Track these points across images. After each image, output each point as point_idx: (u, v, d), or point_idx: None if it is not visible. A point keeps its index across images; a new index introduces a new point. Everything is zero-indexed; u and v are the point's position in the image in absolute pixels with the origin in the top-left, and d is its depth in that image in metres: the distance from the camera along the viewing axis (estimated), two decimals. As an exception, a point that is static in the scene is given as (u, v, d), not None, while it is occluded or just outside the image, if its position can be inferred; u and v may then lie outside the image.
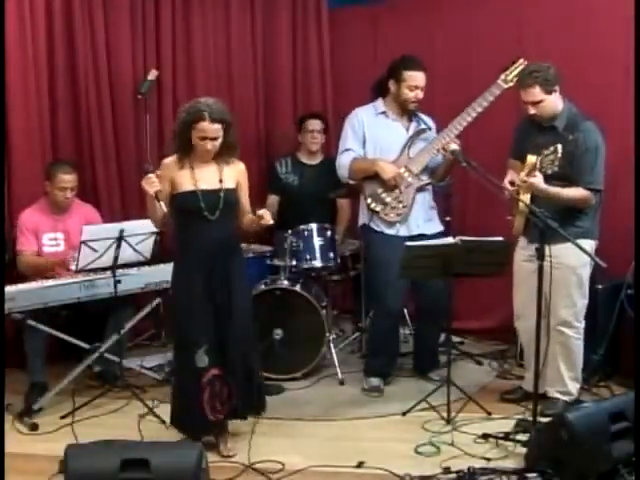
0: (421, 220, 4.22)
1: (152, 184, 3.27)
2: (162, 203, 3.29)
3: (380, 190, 4.17)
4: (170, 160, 3.42)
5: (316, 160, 5.22)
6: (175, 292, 3.51)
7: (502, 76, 4.01)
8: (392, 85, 4.18)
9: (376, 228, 4.23)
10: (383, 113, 4.24)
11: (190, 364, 3.36)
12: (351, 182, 4.32)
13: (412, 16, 5.42)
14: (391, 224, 4.18)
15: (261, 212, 3.39)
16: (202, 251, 3.36)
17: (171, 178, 3.37)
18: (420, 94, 4.16)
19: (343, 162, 4.25)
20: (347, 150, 4.24)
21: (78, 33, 4.74)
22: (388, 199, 4.16)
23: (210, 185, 3.37)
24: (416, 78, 4.12)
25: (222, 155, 3.40)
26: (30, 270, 4.28)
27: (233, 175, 3.46)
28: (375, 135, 4.22)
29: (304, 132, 5.16)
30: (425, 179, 4.20)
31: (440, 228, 4.34)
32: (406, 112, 4.21)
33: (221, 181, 3.39)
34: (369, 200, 4.20)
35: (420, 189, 4.20)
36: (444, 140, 4.04)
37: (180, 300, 3.43)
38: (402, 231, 4.17)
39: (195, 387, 3.37)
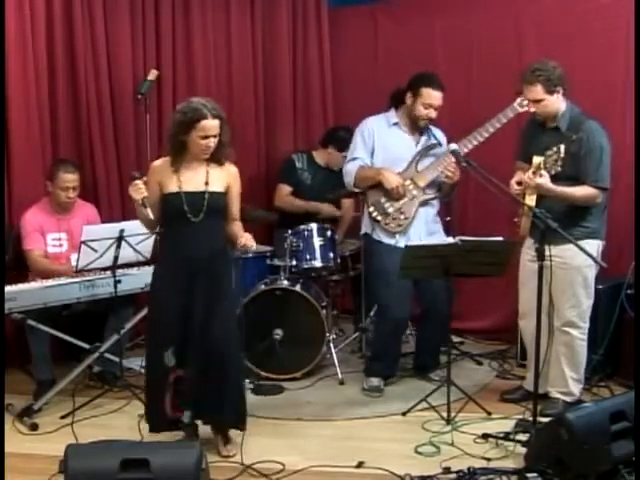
0: (423, 234, 4.19)
1: (138, 191, 3.28)
2: (149, 210, 3.28)
3: (383, 200, 4.16)
4: (161, 162, 3.40)
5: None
6: (153, 290, 3.49)
7: (518, 100, 3.91)
8: (409, 99, 4.15)
9: (377, 238, 4.22)
10: (396, 124, 4.22)
11: (159, 362, 3.35)
12: (356, 190, 4.35)
13: (412, 16, 5.42)
14: (391, 234, 4.17)
15: (245, 236, 3.37)
16: (185, 252, 3.33)
17: (160, 180, 3.34)
18: (433, 113, 4.12)
19: (349, 170, 4.25)
20: (355, 159, 4.24)
21: (78, 33, 4.73)
22: (390, 209, 4.15)
23: (194, 187, 3.33)
24: (433, 97, 4.09)
25: (214, 155, 3.36)
26: (38, 271, 4.25)
27: (223, 178, 3.40)
28: (385, 146, 4.21)
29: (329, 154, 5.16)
30: (431, 194, 4.20)
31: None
32: (417, 127, 4.20)
33: (207, 184, 3.35)
34: (371, 209, 4.19)
35: (424, 203, 4.19)
36: (452, 158, 4.00)
37: (156, 299, 3.43)
38: (401, 242, 4.11)
39: (161, 384, 3.37)
